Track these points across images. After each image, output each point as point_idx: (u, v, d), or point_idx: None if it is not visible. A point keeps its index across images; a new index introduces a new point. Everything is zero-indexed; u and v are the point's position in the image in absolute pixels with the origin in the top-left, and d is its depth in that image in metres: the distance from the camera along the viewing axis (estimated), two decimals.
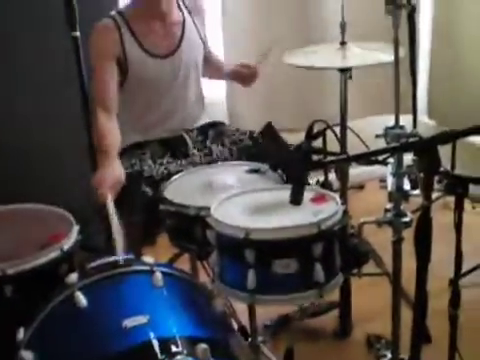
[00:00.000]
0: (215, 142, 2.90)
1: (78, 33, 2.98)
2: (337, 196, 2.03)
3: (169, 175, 2.55)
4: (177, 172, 2.56)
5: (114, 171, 2.42)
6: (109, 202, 2.26)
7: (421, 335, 2.03)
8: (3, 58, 3.30)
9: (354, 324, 2.88)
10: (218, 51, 3.41)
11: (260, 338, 2.45)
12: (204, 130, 2.99)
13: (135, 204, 2.50)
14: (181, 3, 2.91)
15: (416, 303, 2.01)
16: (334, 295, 2.79)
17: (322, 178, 2.51)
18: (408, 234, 2.16)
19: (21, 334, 1.79)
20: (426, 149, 1.79)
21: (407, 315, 2.30)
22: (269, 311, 2.89)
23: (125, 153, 2.79)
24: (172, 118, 2.91)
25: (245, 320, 2.33)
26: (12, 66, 3.32)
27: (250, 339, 2.42)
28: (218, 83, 3.70)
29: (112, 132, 2.61)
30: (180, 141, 2.89)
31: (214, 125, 3.04)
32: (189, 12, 2.92)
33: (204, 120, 3.04)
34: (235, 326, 2.09)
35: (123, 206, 2.42)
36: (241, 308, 2.43)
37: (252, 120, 3.64)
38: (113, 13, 2.80)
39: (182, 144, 2.88)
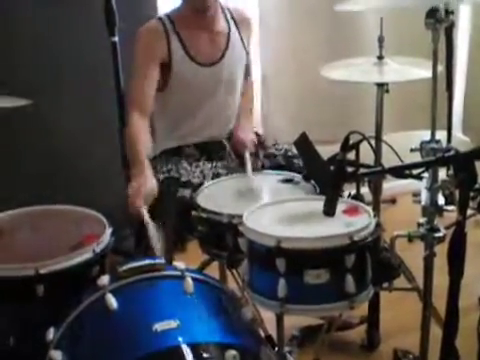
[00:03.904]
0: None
1: (117, 38, 3.03)
2: (370, 208, 2.03)
3: (204, 178, 2.58)
4: (213, 175, 2.59)
5: (147, 181, 2.37)
6: (144, 213, 2.25)
7: (451, 353, 2.01)
8: (45, 64, 3.35)
9: (382, 338, 2.86)
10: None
11: (287, 348, 2.44)
12: None
13: (170, 209, 2.51)
14: (228, 16, 2.90)
15: (446, 320, 1.99)
16: (362, 309, 2.77)
17: (353, 191, 2.50)
18: (439, 250, 2.16)
19: (51, 334, 1.80)
20: (463, 164, 1.79)
21: (436, 331, 2.29)
22: (296, 321, 2.89)
23: (161, 158, 2.81)
24: (210, 127, 2.90)
25: (271, 329, 2.32)
26: (53, 72, 3.37)
27: (277, 348, 2.41)
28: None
29: (144, 134, 2.61)
30: (217, 145, 2.90)
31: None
32: (236, 25, 2.91)
33: None
34: (262, 334, 2.08)
35: (159, 210, 2.43)
36: (268, 317, 2.42)
37: (285, 131, 3.64)
38: (162, 16, 2.82)
39: (219, 148, 2.89)
